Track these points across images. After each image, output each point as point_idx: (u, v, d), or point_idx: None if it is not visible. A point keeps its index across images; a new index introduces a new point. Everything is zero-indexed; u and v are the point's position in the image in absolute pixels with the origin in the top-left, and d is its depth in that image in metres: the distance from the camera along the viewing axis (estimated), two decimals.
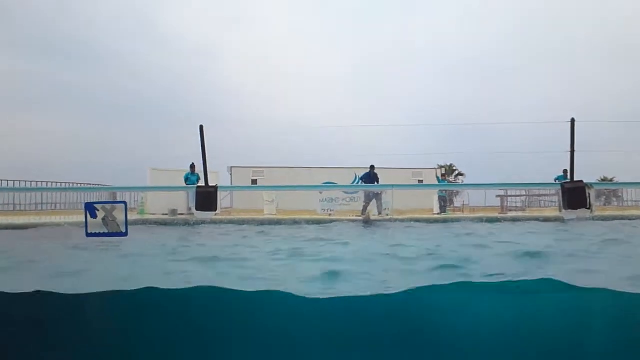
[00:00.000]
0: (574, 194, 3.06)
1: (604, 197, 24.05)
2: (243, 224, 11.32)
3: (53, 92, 47.27)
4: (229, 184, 25.03)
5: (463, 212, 22.06)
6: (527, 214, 20.47)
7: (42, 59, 47.20)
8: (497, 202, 22.74)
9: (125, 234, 3.25)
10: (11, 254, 5.41)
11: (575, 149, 3.11)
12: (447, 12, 59.72)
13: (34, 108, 42.90)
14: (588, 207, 3.07)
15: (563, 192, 3.10)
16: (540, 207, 24.93)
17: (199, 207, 2.93)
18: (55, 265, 4.10)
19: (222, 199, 21.80)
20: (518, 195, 23.74)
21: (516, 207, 23.67)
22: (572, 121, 3.07)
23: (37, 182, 21.00)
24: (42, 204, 20.49)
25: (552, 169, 17.40)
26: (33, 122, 40.46)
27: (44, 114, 42.75)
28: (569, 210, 3.10)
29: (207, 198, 2.89)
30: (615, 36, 52.74)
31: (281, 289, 2.72)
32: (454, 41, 58.59)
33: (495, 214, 19.23)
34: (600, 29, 54.00)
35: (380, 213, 17.57)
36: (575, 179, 3.13)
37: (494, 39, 57.53)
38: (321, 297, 2.60)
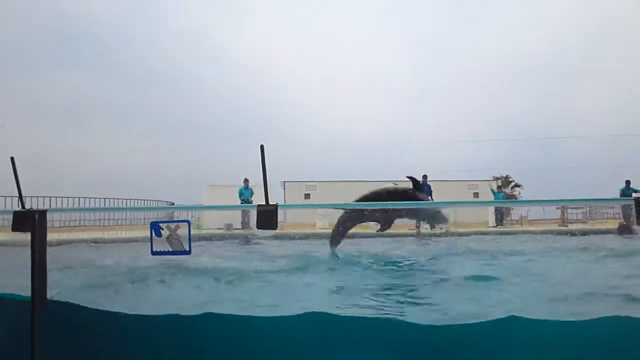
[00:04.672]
0: None
1: None
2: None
3: (113, 110, 49.28)
4: (281, 198, 25.37)
5: (522, 224, 21.23)
6: (588, 226, 19.58)
7: (105, 80, 49.41)
8: (557, 213, 21.78)
9: (189, 252, 3.33)
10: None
11: None
12: (513, 19, 57.11)
13: (94, 129, 44.80)
14: None
15: (637, 206, 2.93)
16: (603, 219, 23.81)
17: (260, 225, 2.98)
18: None
19: None
20: (579, 207, 22.75)
21: (577, 219, 22.71)
22: None
23: (100, 199, 22.02)
24: (104, 219, 21.42)
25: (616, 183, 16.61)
26: (93, 143, 42.22)
27: (104, 133, 44.59)
28: None
29: (267, 216, 2.95)
30: None
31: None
32: (517, 51, 56.14)
33: (555, 226, 18.54)
34: None
35: (432, 228, 17.02)
36: None
37: (563, 45, 54.37)
38: None
